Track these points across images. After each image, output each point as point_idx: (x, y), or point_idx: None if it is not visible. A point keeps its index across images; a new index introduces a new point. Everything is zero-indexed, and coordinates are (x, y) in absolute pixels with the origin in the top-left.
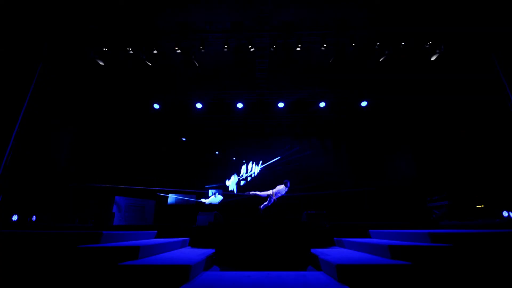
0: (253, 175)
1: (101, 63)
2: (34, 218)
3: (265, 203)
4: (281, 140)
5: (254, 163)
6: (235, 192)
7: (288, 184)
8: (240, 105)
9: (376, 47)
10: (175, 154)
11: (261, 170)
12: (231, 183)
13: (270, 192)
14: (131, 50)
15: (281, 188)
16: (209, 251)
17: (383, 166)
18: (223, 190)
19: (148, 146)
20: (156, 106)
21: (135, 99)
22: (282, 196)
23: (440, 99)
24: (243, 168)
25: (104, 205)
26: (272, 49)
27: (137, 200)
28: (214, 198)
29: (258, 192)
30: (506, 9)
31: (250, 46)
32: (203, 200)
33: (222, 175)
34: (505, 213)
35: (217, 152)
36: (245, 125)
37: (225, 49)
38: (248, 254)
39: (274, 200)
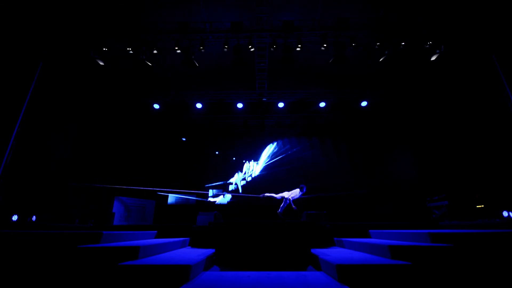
0: (253, 175)
1: (101, 63)
2: (34, 218)
3: (281, 205)
4: (281, 140)
5: (254, 163)
6: (240, 191)
7: (304, 189)
8: (240, 105)
9: (376, 47)
10: (175, 154)
11: (262, 170)
12: (234, 181)
13: (285, 195)
14: (131, 50)
15: (296, 191)
16: (209, 251)
17: (383, 166)
18: (223, 189)
19: (148, 146)
20: (156, 106)
21: (135, 99)
22: (298, 198)
23: (440, 99)
24: (243, 168)
25: (104, 205)
26: (272, 49)
27: (137, 200)
28: (223, 198)
29: (273, 194)
30: (506, 10)
31: (250, 46)
32: (211, 199)
33: (222, 174)
34: (505, 213)
35: (217, 152)
36: (245, 125)
37: (225, 49)
38: (248, 254)
39: (290, 202)
